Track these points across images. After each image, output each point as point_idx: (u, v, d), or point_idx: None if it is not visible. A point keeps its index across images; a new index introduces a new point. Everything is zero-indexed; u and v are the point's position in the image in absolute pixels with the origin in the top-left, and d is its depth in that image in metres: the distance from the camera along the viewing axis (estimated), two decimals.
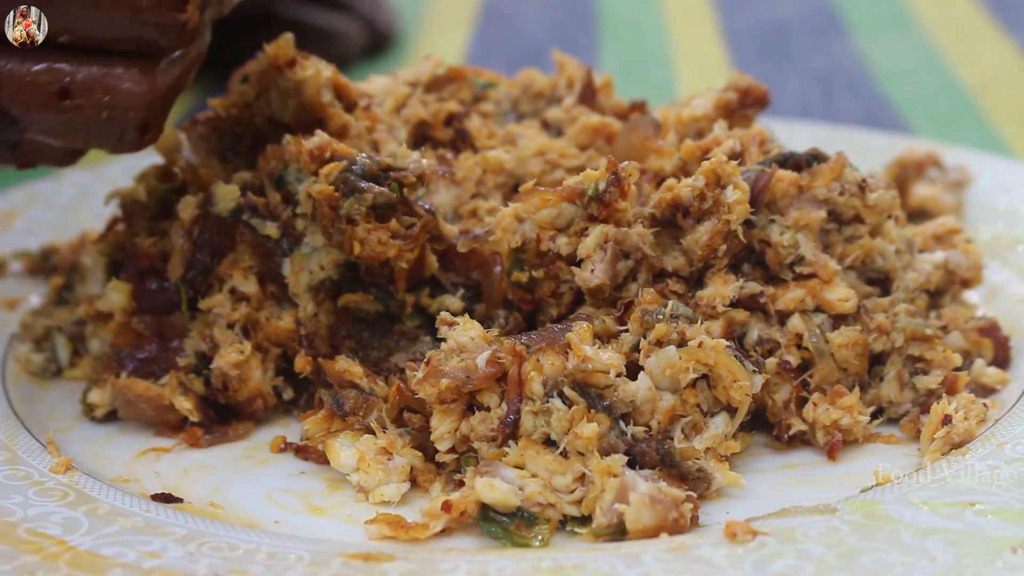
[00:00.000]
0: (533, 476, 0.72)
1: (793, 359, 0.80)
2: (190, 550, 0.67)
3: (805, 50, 1.63)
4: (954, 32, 1.66)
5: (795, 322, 0.80)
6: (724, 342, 0.75)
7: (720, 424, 0.76)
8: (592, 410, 0.72)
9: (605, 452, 0.72)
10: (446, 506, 0.70)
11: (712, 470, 0.73)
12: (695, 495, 0.71)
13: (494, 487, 0.70)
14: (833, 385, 0.80)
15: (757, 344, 0.80)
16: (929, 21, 1.71)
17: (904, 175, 1.06)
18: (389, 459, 0.75)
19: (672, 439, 0.74)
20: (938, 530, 0.66)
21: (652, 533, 0.68)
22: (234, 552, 0.68)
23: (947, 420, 0.75)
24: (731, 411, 0.76)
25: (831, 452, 0.78)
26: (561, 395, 0.73)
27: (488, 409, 0.74)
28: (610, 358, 0.74)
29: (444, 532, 0.71)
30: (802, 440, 0.79)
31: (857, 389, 0.79)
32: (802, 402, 0.79)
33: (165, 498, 0.75)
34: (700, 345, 0.75)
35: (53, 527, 0.69)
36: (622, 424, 0.73)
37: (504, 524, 0.70)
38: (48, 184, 1.11)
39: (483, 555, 0.68)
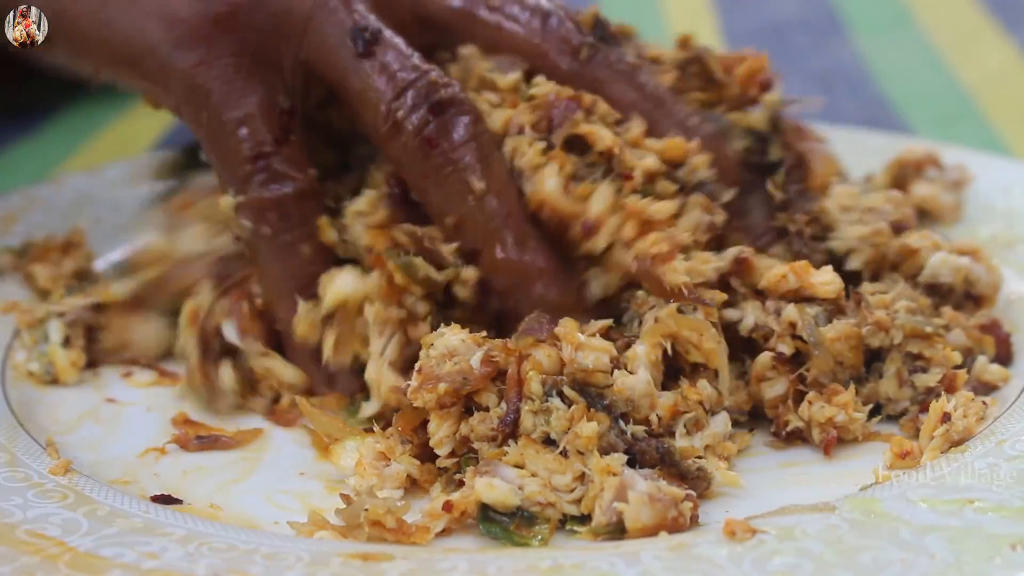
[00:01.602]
0: (533, 475, 0.72)
1: (787, 349, 0.80)
2: (190, 550, 0.67)
3: (805, 50, 1.62)
4: (954, 32, 1.66)
5: (789, 311, 0.80)
6: (677, 305, 0.77)
7: (720, 423, 0.76)
8: (592, 409, 0.72)
9: (605, 451, 0.72)
10: (447, 506, 0.70)
11: (712, 469, 0.73)
12: (695, 494, 0.71)
13: (494, 487, 0.70)
14: (830, 379, 0.79)
15: (753, 331, 0.80)
16: (929, 21, 1.70)
17: (904, 175, 1.06)
18: (386, 465, 0.75)
19: (674, 435, 0.74)
20: (937, 527, 0.66)
21: (651, 532, 0.68)
22: (233, 552, 0.68)
23: (946, 418, 0.75)
24: (732, 414, 0.77)
25: (826, 449, 0.78)
26: (560, 394, 0.73)
27: (487, 409, 0.74)
28: (601, 343, 0.74)
29: (444, 532, 0.71)
30: (800, 437, 0.79)
31: (853, 386, 0.79)
32: (799, 397, 0.79)
33: (165, 499, 0.75)
34: (656, 320, 0.76)
35: (53, 528, 0.69)
36: (621, 423, 0.73)
37: (504, 524, 0.70)
38: (48, 188, 1.11)
39: (482, 555, 0.68)
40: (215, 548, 0.68)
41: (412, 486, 0.76)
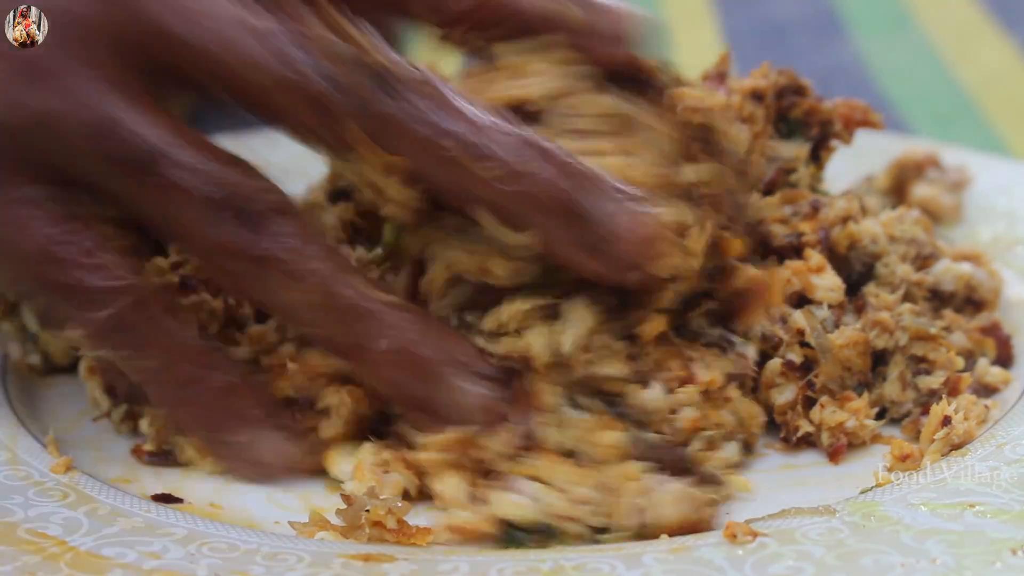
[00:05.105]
0: (551, 488, 0.70)
1: (796, 357, 0.80)
2: (191, 551, 0.67)
3: (805, 50, 1.62)
4: (954, 32, 1.66)
5: (796, 318, 0.80)
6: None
7: (732, 450, 0.76)
8: (608, 416, 0.72)
9: (622, 459, 0.71)
10: (456, 530, 0.70)
11: (723, 476, 0.73)
12: (717, 499, 0.71)
13: (513, 502, 0.69)
14: (839, 384, 0.79)
15: (761, 340, 0.80)
16: (929, 21, 1.70)
17: (904, 175, 1.06)
18: (386, 472, 0.75)
19: (687, 447, 0.74)
20: (938, 531, 0.66)
21: (675, 531, 0.68)
22: (234, 553, 0.68)
23: (946, 421, 0.75)
24: (747, 447, 0.77)
25: (834, 455, 0.77)
26: (576, 404, 0.72)
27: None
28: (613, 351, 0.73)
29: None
30: (808, 442, 0.79)
31: (866, 394, 0.79)
32: (809, 403, 0.79)
33: (165, 498, 0.75)
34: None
35: (54, 527, 0.69)
36: (637, 430, 0.72)
37: (525, 541, 0.69)
38: None
39: (483, 555, 0.68)
40: (216, 548, 0.68)
41: (412, 495, 0.75)
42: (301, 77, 0.66)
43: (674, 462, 0.72)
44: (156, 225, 0.72)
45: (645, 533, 0.68)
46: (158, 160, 0.68)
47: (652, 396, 0.73)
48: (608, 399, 0.73)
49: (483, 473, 0.73)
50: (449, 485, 0.72)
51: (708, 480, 0.72)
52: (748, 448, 0.78)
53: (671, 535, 0.68)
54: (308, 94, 0.66)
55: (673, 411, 0.74)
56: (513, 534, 0.70)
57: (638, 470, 0.70)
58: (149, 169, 0.67)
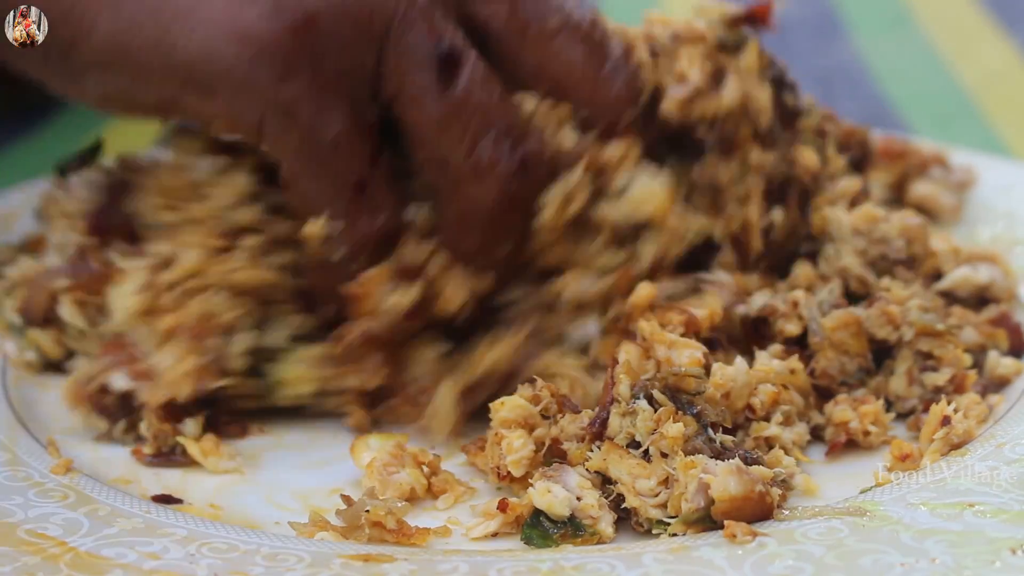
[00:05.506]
0: (593, 488, 0.71)
1: (794, 328, 0.80)
2: (190, 551, 0.68)
3: (805, 50, 1.62)
4: (954, 32, 1.66)
5: (796, 293, 0.81)
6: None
7: (802, 429, 0.76)
8: (680, 412, 0.72)
9: (690, 454, 0.70)
10: (502, 505, 0.70)
11: (793, 479, 0.73)
12: (781, 492, 0.70)
13: (550, 495, 0.70)
14: (840, 369, 0.80)
15: (761, 310, 0.81)
16: (929, 21, 1.70)
17: (905, 171, 1.06)
18: (395, 472, 0.75)
19: (769, 421, 0.74)
20: (937, 531, 0.66)
21: (739, 504, 0.67)
22: (234, 553, 0.68)
23: (946, 421, 0.75)
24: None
25: (830, 450, 0.77)
26: (649, 397, 0.72)
27: (577, 411, 0.75)
28: (690, 341, 0.74)
29: (443, 532, 0.71)
30: (816, 436, 0.79)
31: (882, 401, 0.79)
32: (824, 397, 0.80)
33: (165, 499, 0.75)
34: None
35: (54, 528, 0.69)
36: (710, 432, 0.72)
37: (551, 530, 0.69)
38: (48, 185, 1.11)
39: (483, 556, 0.68)
40: (216, 549, 0.68)
41: (418, 494, 0.75)
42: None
43: (746, 465, 0.70)
44: (400, 114, 0.77)
45: (711, 517, 0.68)
46: (461, 56, 0.76)
47: (738, 372, 0.74)
48: (685, 398, 0.73)
49: (552, 452, 0.74)
50: (517, 439, 0.73)
51: (778, 480, 0.71)
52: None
53: (735, 518, 0.67)
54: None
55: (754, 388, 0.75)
56: (541, 522, 0.70)
57: (701, 462, 0.69)
58: (452, 67, 0.75)
